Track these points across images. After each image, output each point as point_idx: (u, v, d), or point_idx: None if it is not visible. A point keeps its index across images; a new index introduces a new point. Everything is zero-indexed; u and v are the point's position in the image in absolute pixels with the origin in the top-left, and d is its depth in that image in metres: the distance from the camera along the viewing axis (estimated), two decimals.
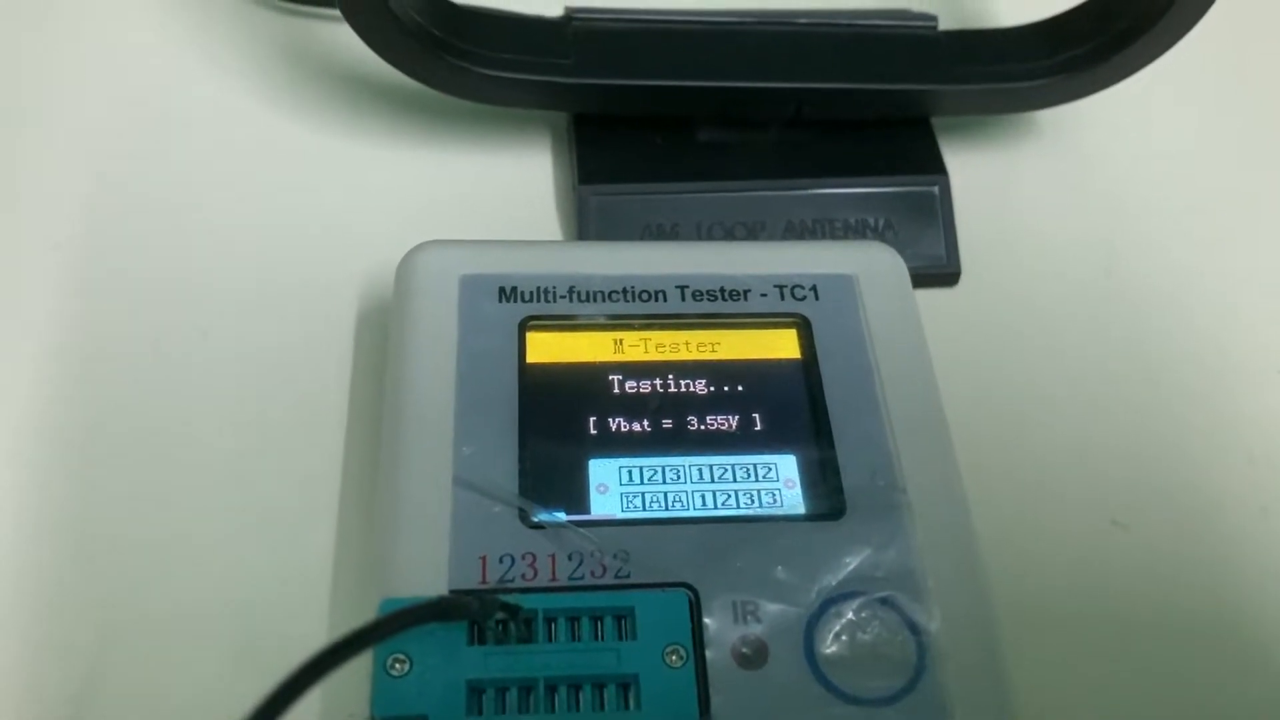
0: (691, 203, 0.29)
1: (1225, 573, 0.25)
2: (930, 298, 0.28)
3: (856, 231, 0.29)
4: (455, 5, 0.29)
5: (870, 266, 0.25)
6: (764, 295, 0.24)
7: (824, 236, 0.29)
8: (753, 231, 0.29)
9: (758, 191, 0.29)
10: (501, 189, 0.30)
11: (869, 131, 0.31)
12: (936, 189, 0.30)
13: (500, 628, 0.19)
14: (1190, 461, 0.27)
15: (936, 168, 0.30)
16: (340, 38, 0.30)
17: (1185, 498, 0.26)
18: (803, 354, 0.24)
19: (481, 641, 0.19)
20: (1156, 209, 0.31)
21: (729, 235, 0.29)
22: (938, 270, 0.29)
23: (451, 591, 0.20)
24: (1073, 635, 0.24)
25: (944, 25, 0.31)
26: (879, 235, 0.29)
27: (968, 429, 0.24)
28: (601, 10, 0.30)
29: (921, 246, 0.29)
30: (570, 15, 0.29)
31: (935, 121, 0.31)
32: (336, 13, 0.26)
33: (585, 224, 0.29)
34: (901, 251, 0.26)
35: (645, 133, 0.30)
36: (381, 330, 0.26)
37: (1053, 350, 0.28)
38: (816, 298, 0.24)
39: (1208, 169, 0.33)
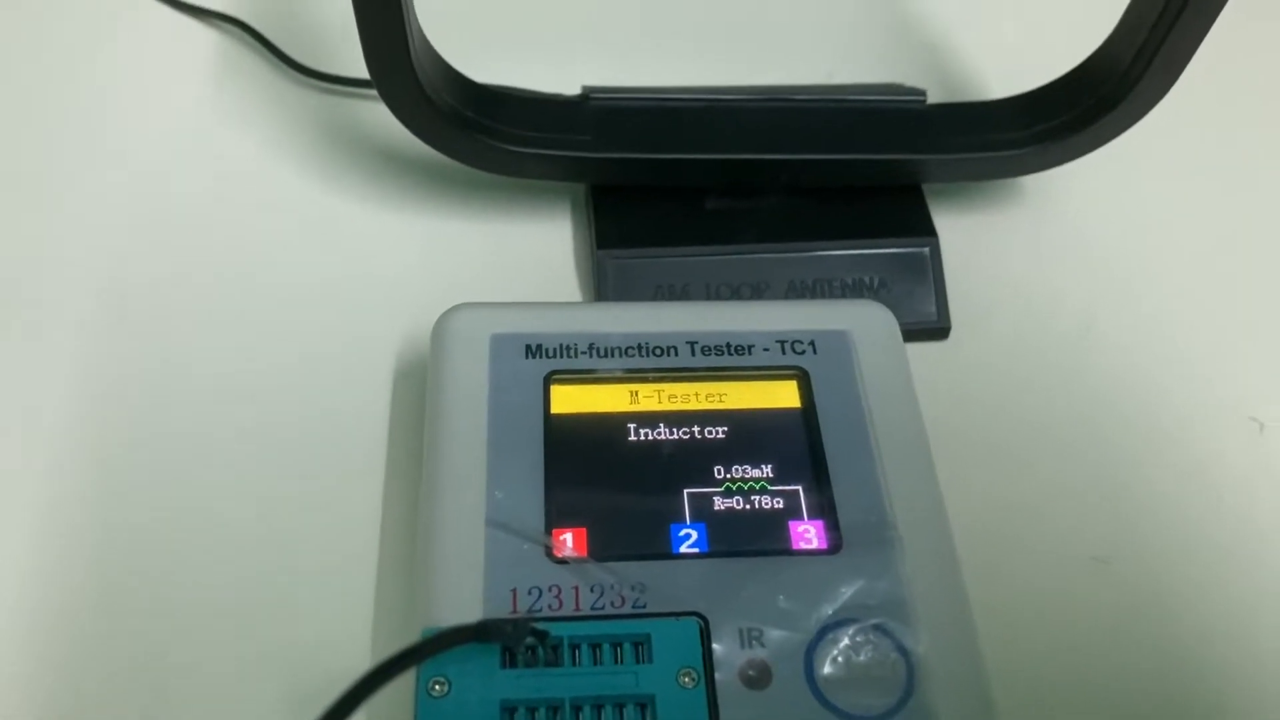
0: (700, 265, 0.31)
1: (1197, 605, 0.27)
2: (923, 350, 0.31)
3: (853, 290, 0.32)
4: (483, 87, 0.31)
5: (863, 323, 0.27)
6: (766, 350, 0.27)
7: (823, 295, 0.31)
8: (757, 291, 0.31)
9: (761, 254, 0.32)
10: (527, 253, 0.33)
11: (864, 197, 0.33)
12: (927, 250, 0.32)
13: (530, 653, 0.22)
14: (1164, 501, 0.29)
15: (927, 230, 0.32)
16: (377, 116, 0.32)
17: (1160, 535, 0.28)
18: (802, 403, 0.26)
19: (513, 665, 0.21)
20: (1133, 267, 0.34)
21: (735, 294, 0.31)
22: (930, 325, 0.31)
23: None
24: (1054, 660, 0.26)
25: (932, 98, 0.34)
26: (874, 294, 0.31)
27: (957, 470, 0.26)
28: (616, 89, 0.32)
29: (914, 303, 0.31)
30: (588, 94, 0.32)
31: (925, 187, 0.34)
32: (373, 91, 0.29)
33: (603, 285, 0.31)
34: (895, 308, 0.28)
35: (657, 201, 0.32)
36: (418, 384, 0.28)
37: (1036, 398, 0.30)
38: (814, 352, 0.27)
39: (1182, 229, 0.35)
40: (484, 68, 0.32)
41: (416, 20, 0.28)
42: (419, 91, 0.28)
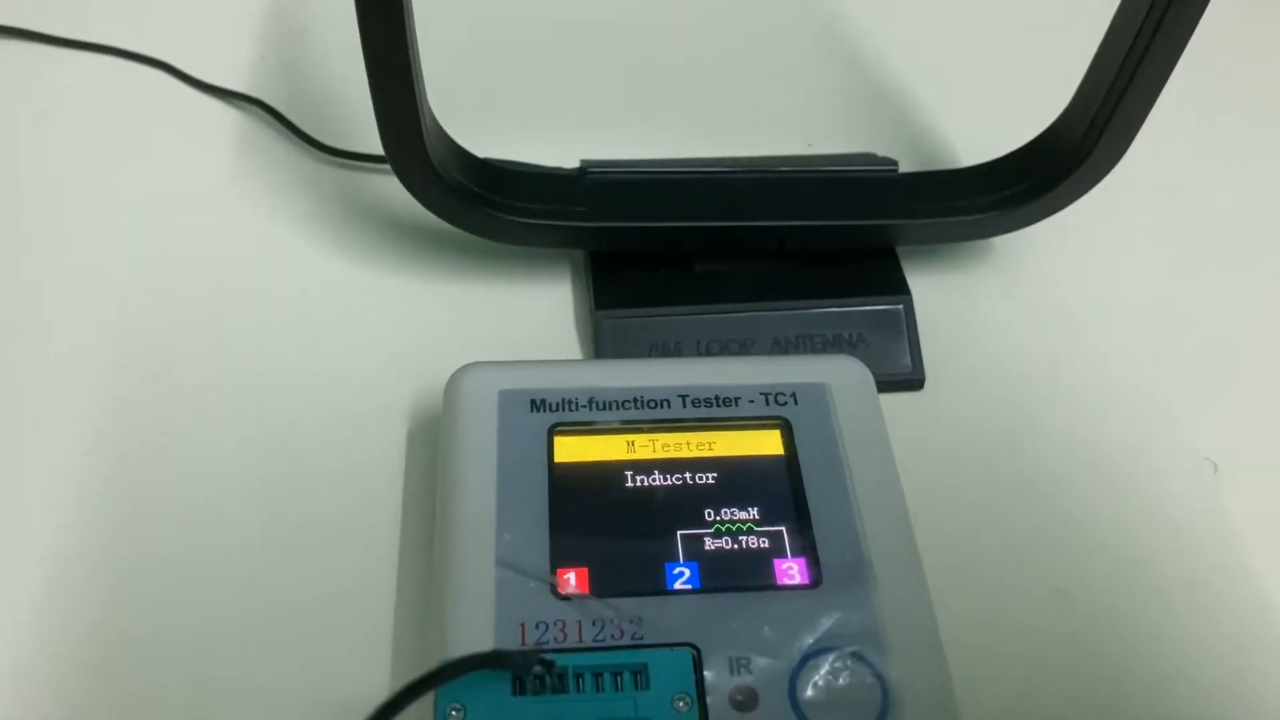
0: (690, 323, 0.34)
1: (1153, 635, 0.29)
2: (898, 400, 0.33)
3: (834, 345, 0.34)
4: (488, 163, 0.34)
5: (841, 377, 0.30)
6: (751, 402, 0.29)
7: (805, 350, 0.34)
8: (744, 346, 0.34)
9: (747, 313, 0.34)
10: (530, 316, 0.35)
11: (842, 260, 0.35)
12: (901, 307, 0.34)
13: (539, 681, 0.24)
14: (1124, 539, 0.31)
15: (901, 289, 0.35)
16: (390, 190, 0.35)
17: (1119, 570, 0.30)
18: (785, 451, 0.28)
19: (523, 693, 0.23)
20: (1095, 321, 0.36)
21: (724, 350, 0.34)
22: (905, 377, 0.34)
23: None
24: (1018, 685, 0.28)
25: (904, 167, 0.37)
26: (853, 349, 0.34)
27: (929, 510, 0.28)
28: (610, 163, 0.35)
29: (890, 357, 0.34)
30: (585, 169, 0.35)
31: (900, 249, 0.36)
32: (386, 166, 0.31)
33: (601, 343, 0.34)
34: (872, 362, 0.31)
35: (650, 265, 0.35)
36: (429, 437, 0.30)
37: (1004, 444, 0.33)
38: (796, 403, 0.29)
39: (1143, 284, 0.37)
40: (488, 143, 0.34)
41: (427, 102, 0.31)
42: (430, 169, 0.31)
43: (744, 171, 0.35)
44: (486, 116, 0.38)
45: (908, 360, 0.34)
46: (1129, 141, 0.33)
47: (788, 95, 0.44)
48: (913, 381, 0.34)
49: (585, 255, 0.36)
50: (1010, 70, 0.44)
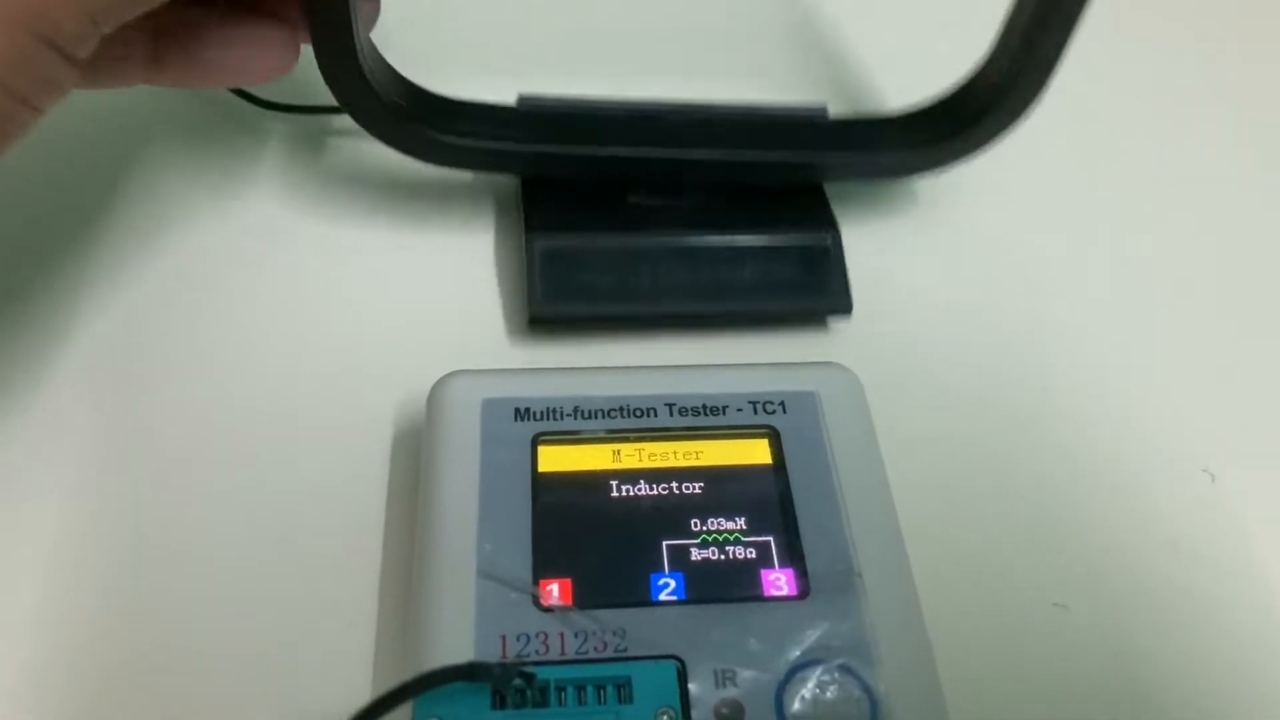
0: (622, 251, 0.34)
1: (1153, 648, 0.29)
2: (889, 410, 0.32)
3: (763, 278, 0.34)
4: (425, 91, 0.34)
5: (829, 385, 0.29)
6: (739, 410, 0.29)
7: (738, 282, 0.34)
8: (671, 275, 0.34)
9: (679, 241, 0.34)
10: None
11: (773, 197, 0.36)
12: (829, 239, 0.35)
13: (519, 695, 0.23)
14: (1122, 549, 0.30)
15: (829, 223, 0.35)
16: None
17: (1117, 581, 0.30)
18: (773, 460, 0.28)
19: (503, 706, 0.23)
20: (1093, 329, 0.36)
21: (655, 282, 0.34)
22: (832, 307, 0.35)
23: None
24: (1014, 700, 0.27)
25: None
26: (784, 285, 0.34)
27: (920, 520, 0.28)
28: (547, 97, 0.35)
29: (819, 289, 0.35)
30: (521, 100, 0.35)
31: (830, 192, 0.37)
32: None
33: (531, 270, 0.33)
34: (801, 294, 0.34)
35: (583, 195, 0.35)
36: (412, 446, 0.30)
37: (997, 453, 0.32)
38: (784, 412, 0.29)
39: (1135, 299, 0.37)
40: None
41: (365, 31, 0.31)
42: (364, 82, 0.31)
43: (679, 108, 0.35)
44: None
45: (840, 292, 0.34)
46: (1045, 80, 0.33)
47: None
48: (843, 309, 0.34)
49: (518, 193, 0.36)
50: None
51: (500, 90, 0.35)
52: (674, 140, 0.35)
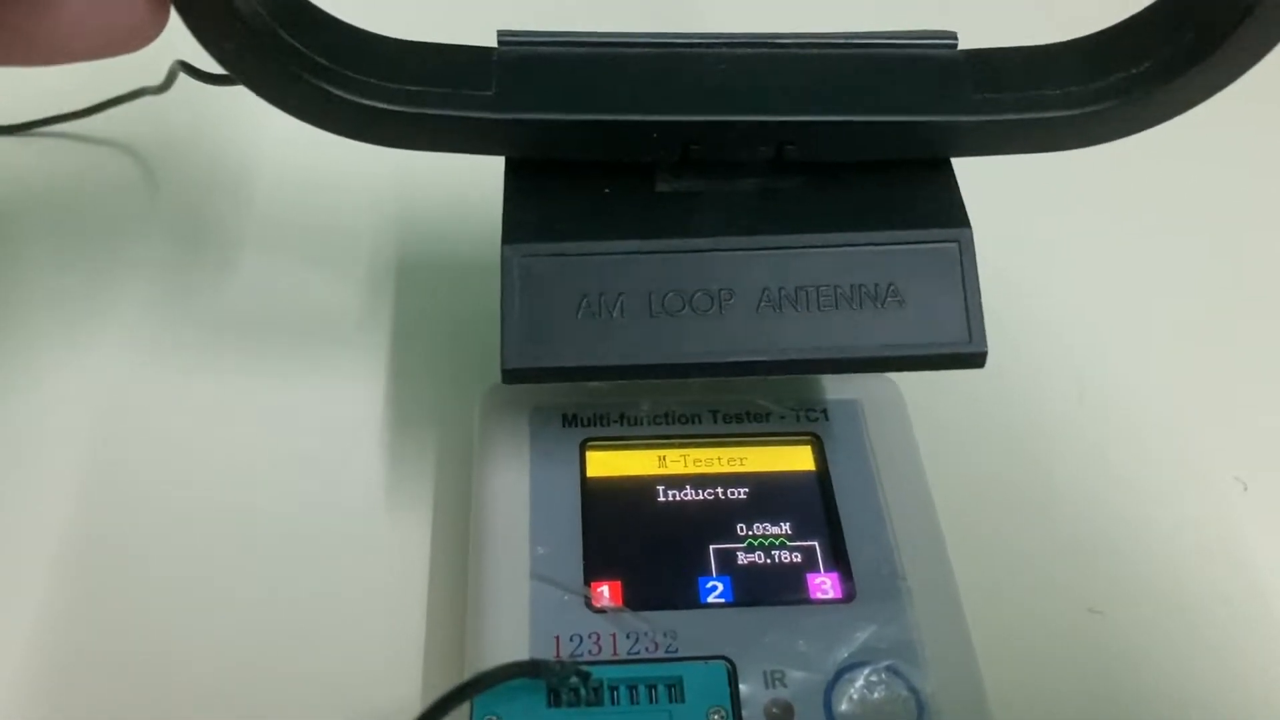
0: (642, 266, 0.23)
1: (1190, 655, 0.29)
2: (928, 417, 0.32)
3: (853, 302, 0.23)
4: (339, 22, 0.22)
5: (873, 394, 0.30)
6: (783, 417, 0.29)
7: (806, 309, 0.24)
8: (715, 301, 0.23)
9: (726, 251, 0.23)
10: None
11: (870, 176, 0.24)
12: (957, 246, 0.23)
13: (574, 694, 0.24)
14: (1158, 556, 0.31)
15: (957, 220, 0.24)
16: None
17: (1154, 588, 0.30)
18: (817, 466, 0.28)
19: (559, 704, 0.24)
20: (1124, 343, 0.36)
21: (688, 307, 0.23)
22: (959, 349, 0.23)
23: None
24: (1054, 700, 0.28)
25: (965, 43, 0.24)
26: (881, 307, 0.24)
27: (962, 527, 0.28)
28: (542, 35, 0.23)
29: (938, 320, 0.24)
30: (499, 41, 0.23)
31: (955, 163, 0.25)
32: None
33: (509, 292, 0.23)
34: (913, 327, 0.23)
35: (590, 183, 0.24)
36: (463, 454, 0.30)
37: (1034, 461, 0.33)
38: (827, 419, 0.29)
39: (1167, 302, 0.37)
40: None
41: None
42: (228, 8, 0.19)
43: (730, 47, 0.23)
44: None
45: (963, 324, 0.23)
46: None
47: None
48: (970, 356, 0.24)
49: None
50: None
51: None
52: (726, 97, 0.23)
